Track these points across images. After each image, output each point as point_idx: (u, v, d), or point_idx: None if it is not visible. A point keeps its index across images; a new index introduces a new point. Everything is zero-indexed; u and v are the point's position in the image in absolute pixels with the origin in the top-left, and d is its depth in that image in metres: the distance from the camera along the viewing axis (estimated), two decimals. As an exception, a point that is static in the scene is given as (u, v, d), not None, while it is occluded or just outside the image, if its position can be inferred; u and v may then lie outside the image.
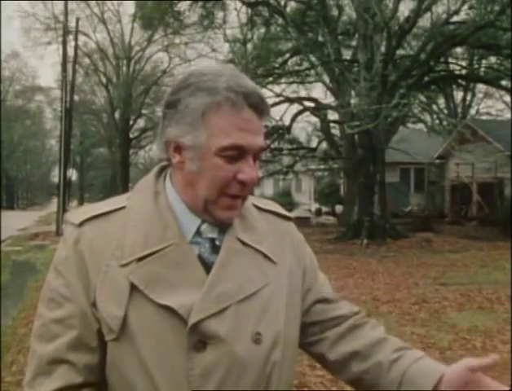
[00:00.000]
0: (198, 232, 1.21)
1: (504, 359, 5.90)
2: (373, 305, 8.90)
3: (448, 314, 8.27)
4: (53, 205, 48.40)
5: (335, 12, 23.47)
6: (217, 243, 1.22)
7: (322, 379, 5.47)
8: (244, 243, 1.23)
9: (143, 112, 42.45)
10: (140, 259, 1.14)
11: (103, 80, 42.66)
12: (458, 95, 35.84)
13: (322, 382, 5.40)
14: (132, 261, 1.14)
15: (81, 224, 1.20)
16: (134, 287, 1.13)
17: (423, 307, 8.73)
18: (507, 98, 31.09)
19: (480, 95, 37.70)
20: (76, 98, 31.98)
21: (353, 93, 21.24)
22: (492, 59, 23.40)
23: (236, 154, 1.16)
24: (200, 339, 1.12)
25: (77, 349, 1.15)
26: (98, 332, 1.15)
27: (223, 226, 1.23)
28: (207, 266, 1.18)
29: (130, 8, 60.13)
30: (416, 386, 1.25)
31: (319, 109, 23.52)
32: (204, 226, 1.22)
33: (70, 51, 25.85)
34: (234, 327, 1.14)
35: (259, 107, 1.18)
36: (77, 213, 1.24)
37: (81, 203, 57.63)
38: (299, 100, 25.18)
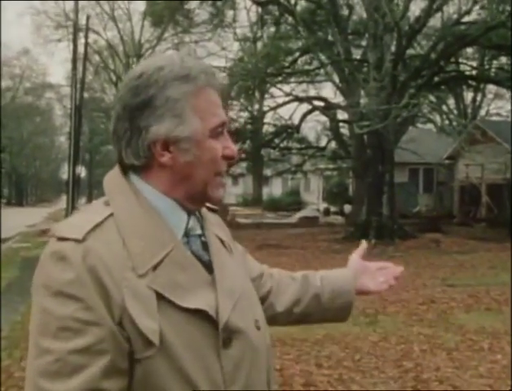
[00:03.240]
0: (186, 229, 1.21)
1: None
2: (381, 304, 8.88)
3: (456, 315, 8.25)
4: (62, 202, 48.65)
5: (345, 11, 23.42)
6: (203, 239, 1.24)
7: (329, 378, 5.49)
8: (220, 240, 1.29)
9: (153, 109, 42.39)
10: (155, 266, 1.11)
11: (113, 77, 42.84)
12: (468, 96, 35.73)
13: (329, 381, 5.41)
14: (149, 269, 1.10)
15: (84, 238, 1.08)
16: (158, 296, 1.09)
17: (431, 308, 8.71)
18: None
19: (490, 96, 37.57)
20: (85, 95, 32.10)
21: (362, 93, 21.22)
22: (503, 60, 23.31)
23: (222, 131, 1.20)
24: (227, 335, 1.15)
25: (111, 375, 1.05)
26: (128, 353, 1.07)
27: (202, 222, 1.27)
28: (203, 264, 1.19)
29: (140, 6, 60.32)
30: (344, 294, 1.60)
31: (328, 109, 23.52)
32: (191, 223, 1.21)
33: (80, 49, 25.98)
34: (245, 318, 1.20)
35: (219, 84, 1.23)
36: (68, 227, 1.13)
37: (89, 200, 57.75)
38: (309, 99, 25.19)
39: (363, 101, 20.99)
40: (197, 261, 1.18)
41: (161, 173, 1.18)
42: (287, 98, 25.98)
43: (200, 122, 1.16)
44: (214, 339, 1.13)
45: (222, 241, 1.29)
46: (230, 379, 1.13)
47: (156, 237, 1.14)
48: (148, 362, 1.06)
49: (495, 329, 7.36)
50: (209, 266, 1.19)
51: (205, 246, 1.23)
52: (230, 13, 26.41)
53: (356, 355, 6.24)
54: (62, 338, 1.03)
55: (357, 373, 5.64)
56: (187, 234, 1.20)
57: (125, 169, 1.21)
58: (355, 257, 1.70)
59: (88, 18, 27.62)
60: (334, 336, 7.06)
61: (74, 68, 23.97)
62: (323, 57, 22.26)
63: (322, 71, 24.26)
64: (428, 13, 19.26)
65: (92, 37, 35.21)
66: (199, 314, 1.11)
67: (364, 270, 1.67)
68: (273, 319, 1.54)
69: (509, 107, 30.34)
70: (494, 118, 32.51)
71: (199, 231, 1.23)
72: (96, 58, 40.77)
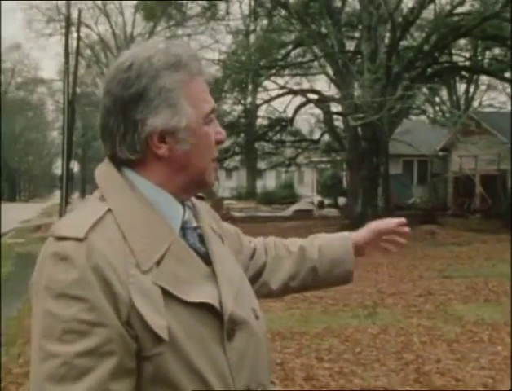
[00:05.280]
0: (183, 222, 1.19)
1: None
2: (379, 297, 8.88)
3: (454, 307, 8.26)
4: (55, 197, 48.52)
5: (338, 3, 23.34)
6: (199, 231, 1.23)
7: (330, 371, 5.47)
8: (213, 231, 1.29)
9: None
10: (158, 262, 1.09)
11: (105, 71, 42.69)
12: (461, 87, 35.76)
13: (330, 374, 5.39)
14: (152, 265, 1.08)
15: (86, 236, 1.05)
16: (163, 291, 1.07)
17: (429, 299, 8.71)
18: (510, 90, 30.95)
19: (483, 87, 37.64)
20: (78, 90, 31.94)
21: (356, 85, 21.18)
22: (496, 51, 23.30)
23: (212, 117, 1.20)
24: (231, 327, 1.15)
25: (119, 376, 1.03)
26: (136, 352, 1.05)
27: (196, 213, 1.26)
28: (201, 256, 1.18)
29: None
30: (342, 264, 1.59)
31: (322, 101, 23.46)
32: (187, 215, 1.20)
33: (72, 43, 25.79)
34: (245, 309, 1.20)
35: (205, 69, 1.23)
36: (67, 226, 1.10)
37: (82, 195, 57.72)
38: (302, 92, 25.14)
39: (357, 93, 20.94)
40: (196, 255, 1.17)
41: (156, 165, 1.15)
42: (280, 91, 25.96)
43: (194, 110, 1.15)
44: (219, 331, 1.13)
45: (214, 231, 1.29)
46: (236, 370, 1.14)
47: (157, 232, 1.12)
48: (158, 359, 1.05)
49: (494, 320, 7.37)
50: (206, 259, 1.19)
51: (201, 238, 1.22)
52: (223, 6, 26.18)
53: (356, 348, 6.23)
54: (67, 341, 1.01)
55: (358, 366, 5.63)
56: (183, 227, 1.19)
57: (118, 163, 1.17)
58: (381, 226, 1.76)
59: (80, 12, 27.47)
60: (334, 328, 7.06)
61: (66, 62, 23.82)
62: (316, 49, 22.22)
63: (316, 63, 24.24)
64: (422, 4, 19.23)
65: (84, 31, 35.06)
66: (204, 308, 1.11)
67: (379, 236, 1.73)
68: (269, 295, 1.59)
69: (502, 99, 30.47)
70: (487, 109, 32.56)
71: (194, 224, 1.23)
72: (88, 52, 40.58)
